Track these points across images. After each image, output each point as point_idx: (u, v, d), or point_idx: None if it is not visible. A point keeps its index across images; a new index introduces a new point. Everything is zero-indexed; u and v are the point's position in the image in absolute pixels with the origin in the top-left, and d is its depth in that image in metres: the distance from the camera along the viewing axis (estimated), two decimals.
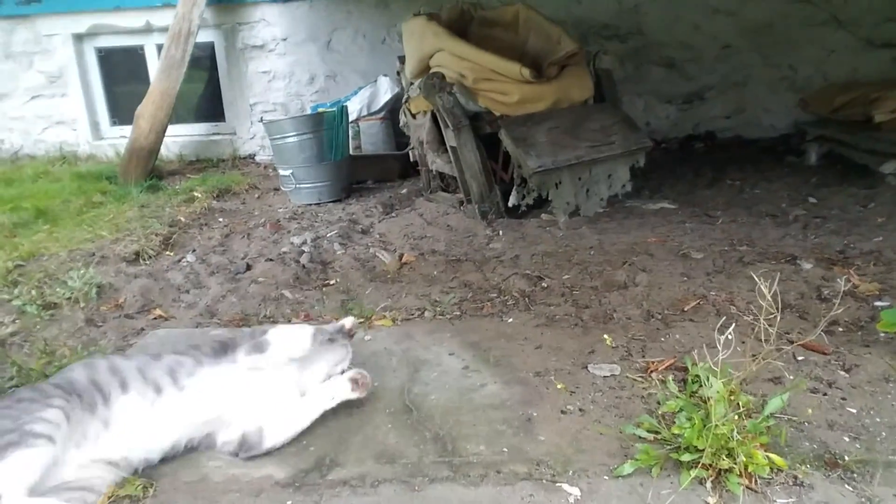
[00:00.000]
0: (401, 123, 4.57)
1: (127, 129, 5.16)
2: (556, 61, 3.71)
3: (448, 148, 3.81)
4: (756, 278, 1.52)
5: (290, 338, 1.82)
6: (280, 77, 5.67)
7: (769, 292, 1.47)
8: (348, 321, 2.02)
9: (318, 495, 1.53)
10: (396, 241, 3.46)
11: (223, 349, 1.82)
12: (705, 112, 5.67)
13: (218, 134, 5.90)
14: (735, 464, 1.46)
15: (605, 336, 2.02)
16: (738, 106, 5.62)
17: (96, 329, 2.54)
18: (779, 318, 1.57)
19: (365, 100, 5.28)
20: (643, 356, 2.06)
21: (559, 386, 1.92)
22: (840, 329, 2.17)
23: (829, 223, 3.28)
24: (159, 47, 5.28)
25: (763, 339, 1.57)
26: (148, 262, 3.26)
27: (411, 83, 4.12)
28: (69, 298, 2.73)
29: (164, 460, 1.66)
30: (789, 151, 4.89)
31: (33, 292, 2.75)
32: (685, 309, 2.36)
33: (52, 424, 1.46)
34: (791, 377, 1.87)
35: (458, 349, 2.20)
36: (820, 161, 4.56)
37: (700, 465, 1.47)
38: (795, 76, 5.47)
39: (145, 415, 1.63)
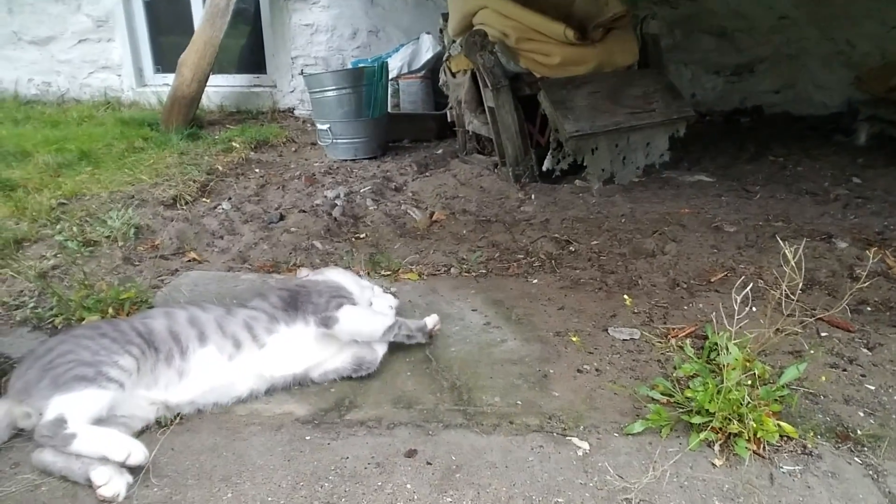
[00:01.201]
0: (440, 82, 4.54)
1: (170, 77, 5.23)
2: (602, 24, 3.63)
3: (486, 108, 3.78)
4: (783, 245, 1.50)
5: (361, 324, 1.84)
6: (322, 31, 5.66)
7: (793, 258, 1.45)
8: (431, 320, 1.99)
9: (336, 433, 1.59)
10: (428, 200, 3.48)
11: (292, 303, 1.84)
12: (754, 85, 5.49)
13: (259, 86, 5.95)
14: (745, 429, 1.47)
15: (626, 298, 2.01)
16: (788, 80, 5.44)
17: (132, 267, 2.64)
18: (800, 290, 1.56)
19: (406, 57, 5.25)
20: (664, 323, 2.06)
21: (575, 339, 1.94)
22: (869, 308, 2.14)
23: (871, 204, 3.19)
24: None
25: (786, 312, 1.57)
26: (185, 208, 3.34)
27: (453, 41, 4.09)
28: (108, 237, 2.83)
29: None
30: (838, 130, 4.73)
31: (74, 229, 2.86)
32: (712, 280, 2.34)
33: (125, 373, 1.55)
34: (812, 352, 1.85)
35: (481, 305, 2.24)
36: (869, 142, 4.41)
37: (710, 429, 1.49)
38: (852, 52, 5.25)
39: (222, 369, 1.69)
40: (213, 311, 1.79)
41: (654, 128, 3.52)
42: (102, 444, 1.43)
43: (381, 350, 1.87)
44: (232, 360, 1.70)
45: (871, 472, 1.43)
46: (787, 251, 1.48)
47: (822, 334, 1.99)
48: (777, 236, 2.70)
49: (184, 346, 1.68)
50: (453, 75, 4.19)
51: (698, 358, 1.75)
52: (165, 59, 5.88)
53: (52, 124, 5.03)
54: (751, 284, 1.67)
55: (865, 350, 1.90)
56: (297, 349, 1.78)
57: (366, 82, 4.34)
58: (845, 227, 2.84)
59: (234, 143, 4.54)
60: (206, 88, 5.18)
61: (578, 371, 1.83)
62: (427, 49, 5.22)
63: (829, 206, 3.19)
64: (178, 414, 1.65)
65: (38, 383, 1.51)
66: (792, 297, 1.51)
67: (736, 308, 1.47)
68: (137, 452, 1.42)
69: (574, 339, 1.93)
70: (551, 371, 1.83)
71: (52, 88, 6.05)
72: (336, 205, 3.38)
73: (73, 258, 2.66)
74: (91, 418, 1.47)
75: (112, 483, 1.38)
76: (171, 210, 3.27)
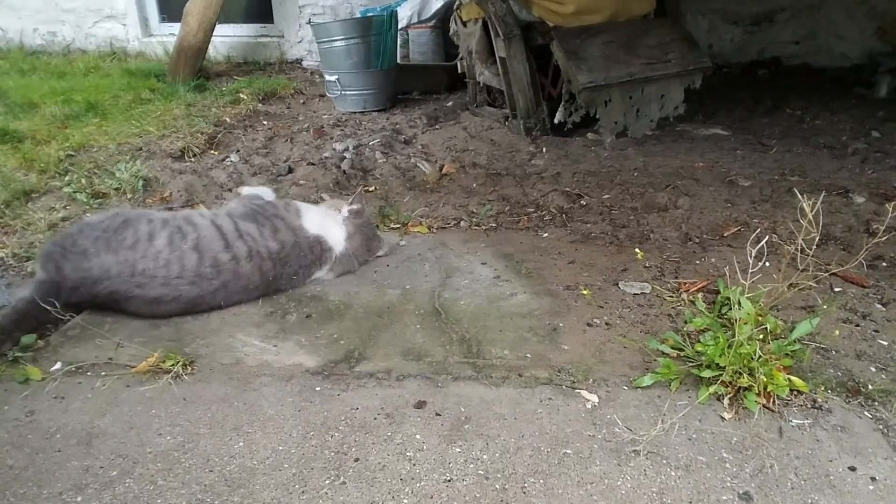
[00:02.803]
0: (451, 31, 4.43)
1: (176, 27, 5.13)
2: None
3: (497, 59, 3.69)
4: (801, 197, 1.46)
5: None
6: None
7: (811, 211, 1.42)
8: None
9: (346, 384, 1.60)
10: (438, 153, 3.43)
11: None
12: (773, 36, 5.33)
13: (266, 36, 5.84)
14: (755, 383, 1.47)
15: (638, 252, 1.99)
16: (809, 31, 5.26)
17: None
18: (815, 245, 1.53)
19: (416, 6, 5.11)
20: (676, 277, 2.05)
21: (585, 292, 1.93)
22: (884, 264, 2.11)
23: (890, 159, 3.11)
24: None
25: (800, 267, 1.54)
26: (193, 160, 3.32)
27: None
28: (117, 189, 2.83)
29: (202, 340, 1.75)
30: (859, 83, 4.59)
31: (83, 181, 2.85)
32: (725, 235, 2.31)
33: None
34: (825, 307, 1.84)
35: (490, 259, 2.22)
36: (890, 94, 4.28)
37: (720, 382, 1.48)
38: (876, 1, 5.06)
39: None
40: None
41: (670, 79, 3.43)
42: None
43: None
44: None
45: (881, 427, 1.43)
46: (804, 204, 1.45)
47: (836, 289, 1.96)
48: (794, 190, 2.66)
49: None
50: (464, 24, 4.09)
51: (710, 312, 1.73)
52: (171, 8, 5.77)
53: (59, 75, 4.97)
54: (766, 238, 1.64)
55: (879, 306, 1.88)
56: None
57: (375, 32, 4.24)
58: (863, 182, 2.78)
59: (241, 95, 4.49)
60: (213, 39, 5.10)
61: (588, 325, 1.82)
62: None
63: (846, 160, 3.12)
64: (191, 363, 1.66)
65: None
66: (807, 251, 1.48)
67: (750, 261, 1.45)
68: None
69: (584, 292, 1.92)
70: (561, 325, 1.82)
71: (58, 38, 5.96)
72: (345, 157, 3.35)
73: (82, 210, 2.66)
74: None
75: None
76: (179, 162, 3.25)
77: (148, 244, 1.88)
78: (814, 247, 1.52)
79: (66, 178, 2.88)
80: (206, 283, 1.90)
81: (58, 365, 1.68)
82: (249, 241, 1.98)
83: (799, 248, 1.50)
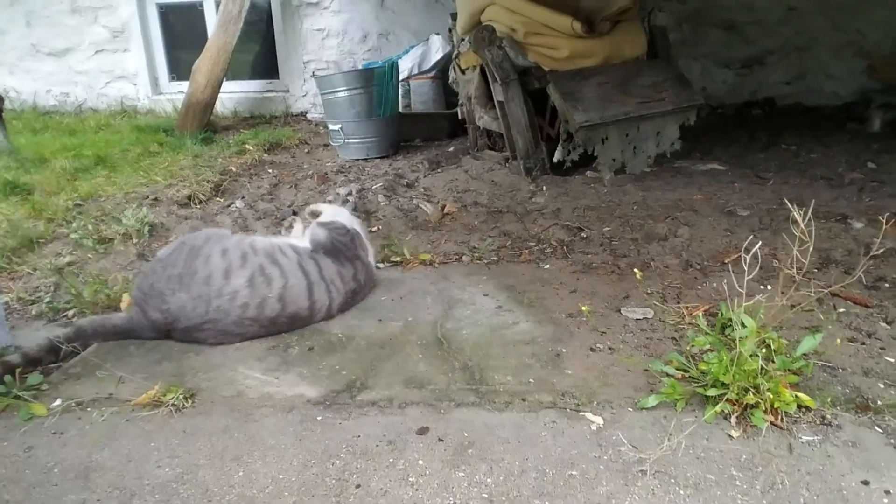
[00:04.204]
0: (450, 80, 4.56)
1: (184, 85, 5.29)
2: (609, 17, 3.62)
3: (496, 103, 3.78)
4: (791, 206, 1.48)
5: None
6: (334, 35, 5.71)
7: (803, 222, 1.43)
8: None
9: (347, 413, 1.59)
10: (440, 194, 3.48)
11: None
12: (765, 77, 5.45)
13: (271, 91, 6.01)
14: (761, 400, 1.45)
15: (637, 273, 1.99)
16: (799, 72, 5.38)
17: (147, 263, 2.65)
18: (816, 269, 1.53)
19: (416, 58, 5.27)
20: (678, 302, 2.04)
21: (585, 309, 1.92)
22: (886, 285, 2.10)
23: (887, 187, 3.14)
24: (217, 3, 5.38)
25: (800, 287, 1.54)
26: (199, 206, 3.37)
27: (462, 39, 4.10)
28: (123, 234, 2.86)
29: (204, 375, 1.75)
30: (852, 119, 4.67)
31: (90, 227, 2.89)
32: (725, 261, 2.31)
33: None
34: (829, 326, 1.82)
35: (492, 290, 2.23)
36: (884, 128, 4.35)
37: (725, 400, 1.46)
38: (863, 41, 5.19)
39: None
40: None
41: (665, 116, 3.49)
42: None
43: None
44: None
45: (892, 441, 1.40)
46: (795, 214, 1.46)
47: (840, 310, 1.95)
48: (792, 219, 2.68)
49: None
50: (462, 72, 4.20)
51: (712, 331, 1.72)
52: (180, 68, 5.95)
53: (70, 133, 5.11)
54: (767, 262, 1.64)
55: (884, 324, 1.87)
56: None
57: (376, 82, 4.37)
58: (861, 209, 2.80)
59: (247, 146, 4.59)
60: (220, 94, 5.24)
61: (591, 350, 1.81)
62: (437, 49, 5.24)
63: (843, 189, 3.15)
64: (191, 395, 1.66)
65: None
66: (802, 260, 1.49)
67: (745, 277, 1.45)
68: None
69: (584, 309, 1.92)
70: (564, 350, 1.81)
71: (70, 99, 6.14)
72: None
73: (87, 255, 2.69)
74: None
75: None
76: (185, 209, 3.30)
77: (224, 282, 1.90)
78: (814, 270, 1.51)
79: (73, 225, 2.93)
80: (277, 327, 1.96)
81: (58, 402, 1.67)
82: (333, 290, 2.04)
83: (794, 261, 1.50)
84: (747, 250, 1.52)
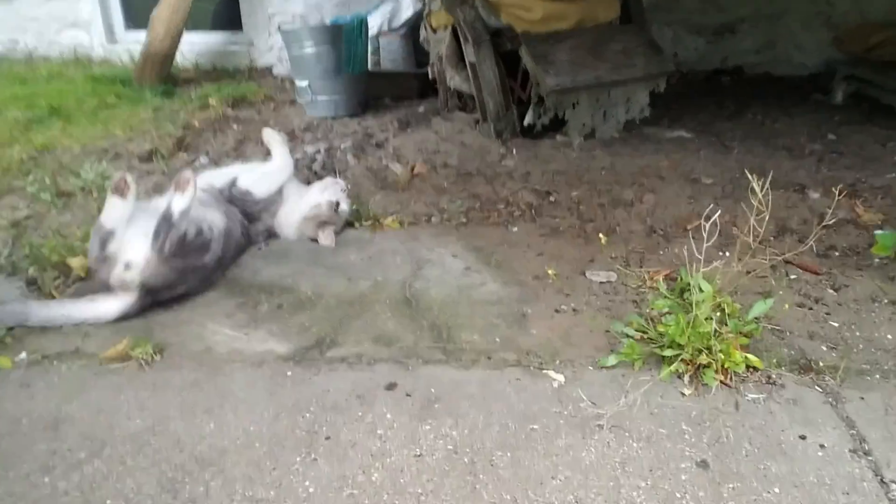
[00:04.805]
0: (421, 38, 4.49)
1: (142, 34, 5.10)
2: None
3: (467, 64, 3.76)
4: (751, 177, 1.54)
5: None
6: None
7: (760, 191, 1.49)
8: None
9: (317, 369, 1.62)
10: (409, 155, 3.46)
11: None
12: (734, 46, 5.50)
13: (235, 44, 5.83)
14: (713, 360, 1.52)
15: (601, 237, 2.04)
16: (769, 41, 5.44)
17: None
18: (772, 237, 1.59)
19: (386, 15, 5.17)
20: (641, 266, 2.11)
21: (551, 272, 1.97)
22: (836, 253, 2.20)
23: (845, 159, 3.24)
24: None
25: (754, 246, 1.61)
26: (161, 162, 3.30)
27: None
28: (83, 189, 2.80)
29: (172, 330, 1.76)
30: (817, 90, 4.76)
31: (47, 180, 2.82)
32: (687, 227, 2.38)
33: None
34: (781, 292, 1.91)
35: (461, 252, 2.26)
36: (846, 101, 4.45)
37: (680, 360, 1.54)
38: (832, 12, 5.25)
39: None
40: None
41: (636, 83, 3.52)
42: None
43: None
44: None
45: (830, 400, 1.49)
46: (754, 184, 1.52)
47: (791, 276, 2.04)
48: (753, 188, 2.76)
49: None
50: (434, 31, 4.15)
51: (671, 294, 1.79)
52: (137, 16, 5.73)
53: (21, 81, 4.91)
54: (717, 230, 1.70)
55: (831, 291, 1.96)
56: None
57: (345, 38, 4.28)
58: (818, 180, 2.89)
59: (210, 101, 4.47)
60: (181, 46, 5.09)
61: (556, 311, 1.87)
62: (407, 6, 5.14)
63: (804, 160, 3.24)
64: (160, 350, 1.67)
65: None
66: (759, 228, 1.55)
67: (704, 244, 1.51)
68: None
69: (550, 271, 1.96)
70: (529, 311, 1.86)
71: (20, 46, 5.88)
72: (316, 159, 3.36)
73: (46, 209, 2.63)
74: None
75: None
76: (147, 164, 3.23)
77: None
78: (763, 230, 1.58)
79: (30, 178, 2.85)
80: None
81: (23, 355, 1.67)
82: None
83: (751, 230, 1.56)
84: (707, 218, 1.57)
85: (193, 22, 5.24)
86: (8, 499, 1.22)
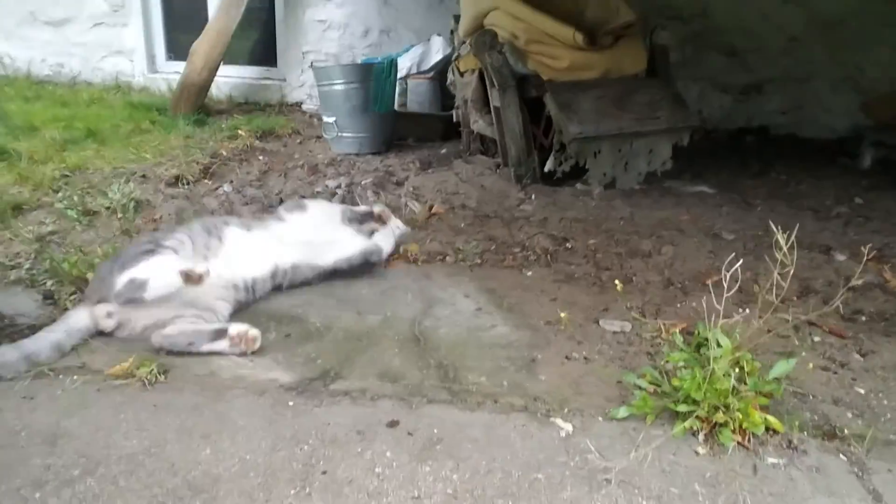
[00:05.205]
0: (448, 81, 4.56)
1: (181, 65, 5.25)
2: (612, 30, 3.64)
3: (492, 108, 3.80)
4: (774, 228, 1.51)
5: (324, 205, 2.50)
6: (335, 27, 5.70)
7: (785, 245, 1.46)
8: (377, 207, 2.58)
9: (319, 400, 1.59)
10: (428, 195, 3.48)
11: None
12: (761, 106, 5.51)
13: (268, 79, 5.98)
14: (731, 419, 1.46)
15: (618, 283, 1.99)
16: (796, 103, 5.45)
17: (129, 239, 2.63)
18: (797, 297, 1.54)
19: (416, 58, 5.28)
20: (656, 318, 2.06)
21: (563, 316, 1.94)
22: (863, 318, 2.13)
23: (872, 223, 3.19)
24: None
25: (776, 302, 1.56)
26: (186, 187, 3.35)
27: (463, 42, 4.11)
28: (108, 208, 2.84)
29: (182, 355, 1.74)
30: (844, 154, 4.73)
31: (75, 198, 2.87)
32: (706, 282, 2.33)
33: (179, 243, 1.97)
34: (804, 354, 1.84)
35: (473, 293, 2.23)
36: (874, 166, 4.41)
37: (695, 417, 1.48)
38: (861, 77, 5.26)
39: (245, 238, 2.16)
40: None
41: (658, 135, 3.52)
42: (170, 268, 1.82)
43: (387, 247, 2.43)
44: (250, 230, 2.18)
45: (856, 470, 1.42)
46: (779, 237, 1.48)
47: (815, 339, 1.98)
48: (776, 246, 2.71)
49: (218, 230, 2.13)
50: (461, 75, 4.21)
51: (688, 347, 1.74)
52: (178, 48, 5.91)
53: (62, 104, 5.05)
54: (737, 283, 1.66)
55: (857, 356, 1.89)
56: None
57: (374, 78, 4.36)
58: (845, 242, 2.84)
59: (239, 131, 4.55)
60: (216, 78, 5.22)
61: (567, 358, 1.82)
62: (437, 50, 5.25)
63: (829, 222, 3.19)
64: (164, 371, 1.65)
65: (111, 277, 1.83)
66: (783, 283, 1.51)
67: (724, 296, 1.47)
68: (200, 266, 1.85)
69: (563, 315, 1.92)
70: (539, 356, 1.82)
71: (65, 70, 6.08)
72: (336, 193, 3.39)
73: (71, 226, 2.66)
74: (158, 277, 1.81)
75: (251, 330, 1.77)
76: (172, 188, 3.28)
77: None
78: (786, 285, 1.53)
79: (59, 195, 2.90)
80: None
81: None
82: None
83: (774, 285, 1.52)
84: (729, 269, 1.54)
85: (231, 56, 5.40)
86: None
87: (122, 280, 1.81)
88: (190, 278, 1.81)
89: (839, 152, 4.77)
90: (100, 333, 1.83)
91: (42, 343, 1.69)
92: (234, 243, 2.11)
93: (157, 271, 1.82)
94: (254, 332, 1.77)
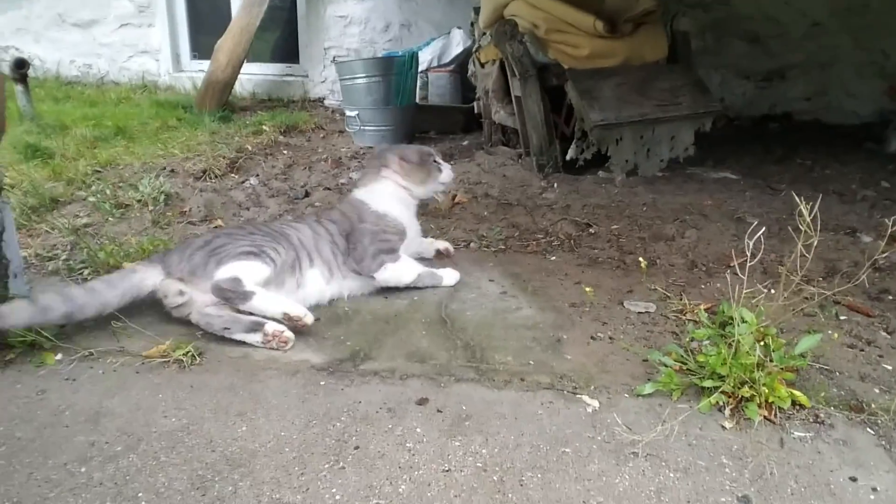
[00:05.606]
0: (469, 73, 4.59)
1: (206, 64, 5.35)
2: (632, 18, 3.64)
3: (513, 98, 3.81)
4: (798, 199, 1.51)
5: (393, 280, 2.14)
6: (356, 23, 5.75)
7: (809, 215, 1.46)
8: (442, 244, 2.44)
9: (350, 380, 1.62)
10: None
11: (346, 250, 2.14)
12: (784, 92, 5.45)
13: (291, 75, 6.05)
14: (756, 393, 1.47)
15: (642, 261, 1.99)
16: (820, 88, 5.38)
17: (161, 230, 2.70)
18: (823, 277, 1.55)
19: (436, 51, 5.30)
20: (681, 299, 2.07)
21: (588, 290, 1.95)
22: (890, 297, 2.12)
23: None
24: None
25: (800, 277, 1.56)
26: (213, 181, 3.42)
27: (483, 33, 4.13)
28: (139, 201, 2.92)
29: (212, 335, 1.79)
30: (869, 139, 4.67)
31: (108, 192, 2.95)
32: (730, 264, 2.33)
33: (279, 256, 1.93)
34: (830, 332, 1.84)
35: (498, 277, 2.26)
36: None
37: (721, 392, 1.49)
38: (886, 62, 5.19)
39: (321, 286, 2.05)
40: (307, 234, 2.08)
41: (680, 121, 3.51)
42: (278, 303, 1.81)
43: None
44: (328, 282, 2.06)
45: (883, 443, 1.42)
46: (802, 207, 1.49)
47: (841, 317, 1.98)
48: (800, 228, 2.70)
49: (301, 264, 2.01)
50: (482, 66, 4.23)
51: (713, 325, 1.75)
52: (202, 47, 6.01)
53: (91, 103, 5.17)
54: (762, 266, 1.67)
55: (884, 333, 1.89)
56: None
57: (396, 71, 4.40)
58: (871, 225, 2.81)
59: (264, 127, 4.63)
60: (240, 76, 5.30)
61: (592, 338, 1.84)
62: (457, 43, 5.27)
63: (855, 205, 3.16)
64: (199, 353, 1.70)
65: (205, 265, 1.84)
66: (807, 255, 1.51)
67: (747, 271, 1.48)
68: (309, 316, 1.82)
69: (588, 290, 1.93)
70: (564, 337, 1.84)
71: (93, 70, 6.21)
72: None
73: (104, 218, 2.74)
74: (257, 284, 1.82)
75: (286, 332, 1.76)
76: (200, 182, 3.35)
77: None
78: (810, 257, 1.54)
79: (92, 188, 2.99)
80: None
81: (59, 356, 1.71)
82: None
83: (798, 256, 1.52)
84: (753, 252, 1.55)
85: (254, 53, 5.47)
86: (45, 485, 1.25)
87: (225, 275, 1.80)
88: (290, 319, 1.81)
89: (865, 137, 4.71)
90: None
91: (94, 298, 1.76)
92: (309, 288, 2.02)
93: (265, 297, 1.81)
94: (289, 334, 1.77)
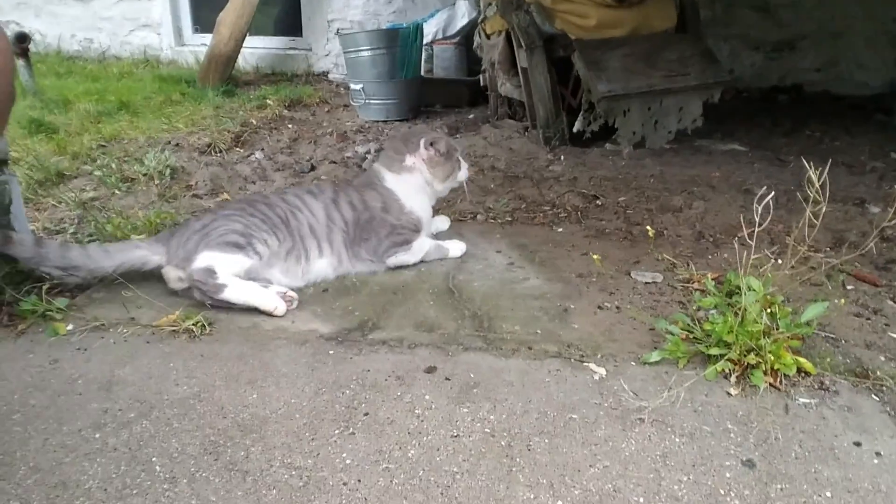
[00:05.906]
0: (475, 45, 4.54)
1: (208, 38, 5.31)
2: None
3: (519, 70, 3.78)
4: (808, 166, 1.51)
5: (403, 263, 2.13)
6: None
7: (818, 181, 1.45)
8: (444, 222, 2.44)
9: (358, 349, 1.64)
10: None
11: (356, 237, 2.09)
12: (794, 63, 5.38)
13: (294, 49, 6.00)
14: (762, 361, 1.48)
15: (649, 229, 1.98)
16: (830, 59, 5.31)
17: (167, 204, 2.71)
18: (830, 247, 1.54)
19: (441, 23, 5.25)
20: (688, 268, 2.07)
21: (596, 257, 1.95)
22: None
23: None
24: None
25: (808, 243, 1.56)
26: (219, 155, 3.42)
27: (489, 4, 4.08)
28: (145, 175, 2.92)
29: (223, 309, 1.81)
30: (879, 110, 4.61)
31: (113, 166, 2.95)
32: (738, 235, 2.32)
33: (268, 249, 1.89)
34: (836, 301, 1.84)
35: (505, 248, 2.26)
36: None
37: (727, 359, 1.50)
38: None
39: (328, 274, 2.04)
40: (321, 219, 2.04)
41: (689, 92, 3.48)
42: (251, 295, 1.79)
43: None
44: (335, 270, 2.05)
45: (888, 409, 1.43)
46: (811, 174, 1.48)
47: (848, 287, 1.97)
48: (808, 199, 2.68)
49: (309, 254, 1.99)
50: (488, 37, 4.19)
51: (719, 293, 1.75)
52: (204, 20, 5.97)
53: (93, 78, 5.16)
54: (776, 245, 1.66)
55: (891, 302, 1.89)
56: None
57: (400, 43, 4.37)
58: (879, 195, 2.80)
59: (268, 101, 4.62)
60: (243, 50, 5.27)
61: (599, 307, 1.85)
62: (462, 15, 5.22)
63: (864, 176, 3.14)
64: (209, 323, 1.72)
65: (196, 248, 1.82)
66: (815, 222, 1.51)
67: (755, 239, 1.47)
68: (282, 307, 1.79)
69: (596, 257, 1.93)
70: (572, 306, 1.85)
71: (94, 45, 6.18)
72: (366, 158, 3.43)
73: (110, 192, 2.75)
74: (233, 276, 1.81)
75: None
76: (205, 156, 3.35)
77: None
78: (818, 223, 1.53)
79: (97, 163, 2.99)
80: None
81: (70, 326, 1.73)
82: None
83: (807, 222, 1.52)
84: (760, 218, 1.54)
85: (256, 27, 5.42)
86: (61, 450, 1.27)
87: (200, 263, 1.79)
88: (263, 312, 1.81)
89: (875, 109, 4.66)
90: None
91: (89, 261, 1.81)
92: (314, 276, 2.02)
93: (237, 289, 1.79)
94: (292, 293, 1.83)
